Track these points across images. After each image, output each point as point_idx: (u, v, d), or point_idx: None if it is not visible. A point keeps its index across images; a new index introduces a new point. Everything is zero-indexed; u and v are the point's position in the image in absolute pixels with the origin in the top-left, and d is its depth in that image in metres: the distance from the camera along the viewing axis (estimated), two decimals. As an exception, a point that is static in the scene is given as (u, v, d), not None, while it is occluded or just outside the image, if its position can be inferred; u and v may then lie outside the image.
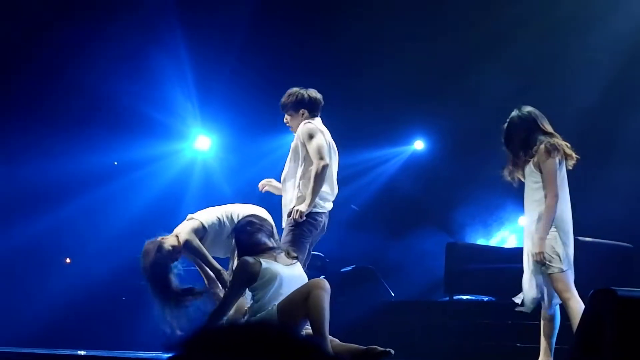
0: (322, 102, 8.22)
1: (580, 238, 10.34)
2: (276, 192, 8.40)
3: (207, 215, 8.03)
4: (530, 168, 7.74)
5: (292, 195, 7.89)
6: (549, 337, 7.70)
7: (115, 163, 13.54)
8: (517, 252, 11.81)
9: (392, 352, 6.84)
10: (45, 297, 12.17)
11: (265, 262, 6.84)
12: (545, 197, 7.61)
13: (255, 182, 13.15)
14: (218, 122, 13.75)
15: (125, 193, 13.11)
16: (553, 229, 7.63)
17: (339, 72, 12.81)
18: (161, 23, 13.05)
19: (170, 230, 7.96)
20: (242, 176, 13.82)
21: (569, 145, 7.77)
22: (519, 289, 10.56)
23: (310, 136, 7.89)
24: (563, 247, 7.62)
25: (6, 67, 12.66)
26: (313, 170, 7.80)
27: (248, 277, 6.83)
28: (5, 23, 12.37)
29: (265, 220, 7.46)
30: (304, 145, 7.90)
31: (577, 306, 7.38)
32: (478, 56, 12.70)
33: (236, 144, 13.77)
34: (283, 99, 8.21)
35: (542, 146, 7.63)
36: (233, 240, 7.55)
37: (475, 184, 13.12)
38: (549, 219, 7.54)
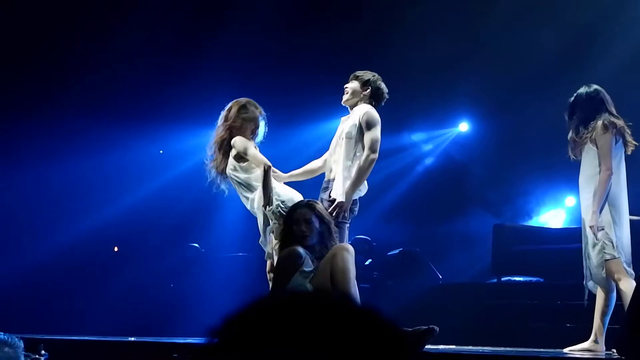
0: (386, 99, 8.14)
1: (630, 217, 10.27)
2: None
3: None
4: (587, 145, 7.67)
5: (340, 179, 7.79)
6: (602, 316, 7.63)
7: (161, 152, 13.60)
8: (565, 232, 11.82)
9: (437, 329, 6.81)
10: (92, 284, 12.27)
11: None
12: (600, 172, 7.54)
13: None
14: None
15: (175, 183, 13.16)
16: (608, 211, 7.55)
17: (375, 51, 12.74)
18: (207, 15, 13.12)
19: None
20: (281, 166, 13.83)
21: (629, 130, 7.71)
22: (566, 270, 10.52)
23: (372, 125, 7.81)
24: (615, 233, 7.55)
25: (56, 60, 12.74)
26: (365, 161, 7.71)
27: (295, 269, 6.86)
28: (56, 13, 12.48)
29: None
30: (361, 129, 7.82)
31: (629, 286, 7.31)
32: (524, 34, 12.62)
33: (271, 135, 13.74)
34: (359, 72, 8.10)
35: (600, 122, 7.56)
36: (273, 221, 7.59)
37: (520, 165, 13.04)
38: (602, 193, 7.48)
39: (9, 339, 5.40)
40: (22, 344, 5.48)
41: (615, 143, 7.57)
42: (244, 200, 8.07)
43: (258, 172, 7.87)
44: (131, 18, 12.73)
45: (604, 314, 7.64)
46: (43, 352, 6.48)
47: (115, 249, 13.34)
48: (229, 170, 8.04)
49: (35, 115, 12.55)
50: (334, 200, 7.60)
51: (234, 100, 8.18)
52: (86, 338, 8.77)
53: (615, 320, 6.80)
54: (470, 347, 8.08)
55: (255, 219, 7.95)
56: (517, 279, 11.38)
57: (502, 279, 11.33)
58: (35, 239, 12.52)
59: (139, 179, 13.12)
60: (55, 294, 12.23)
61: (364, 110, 7.84)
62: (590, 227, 7.52)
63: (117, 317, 11.23)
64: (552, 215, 13.42)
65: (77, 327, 10.48)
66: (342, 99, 8.04)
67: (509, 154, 13.16)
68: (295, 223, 7.05)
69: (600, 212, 7.50)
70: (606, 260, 7.54)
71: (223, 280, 9.38)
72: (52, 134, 12.67)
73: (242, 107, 8.15)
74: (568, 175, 12.81)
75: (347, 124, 7.89)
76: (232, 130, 8.06)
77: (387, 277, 12.11)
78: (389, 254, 12.40)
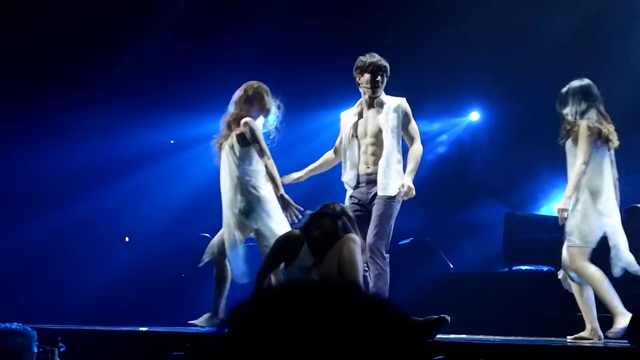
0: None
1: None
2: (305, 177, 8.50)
3: None
4: (570, 143, 7.80)
5: (388, 171, 7.89)
6: (583, 306, 7.73)
7: (172, 141, 13.61)
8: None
9: (448, 318, 6.83)
10: (104, 275, 12.28)
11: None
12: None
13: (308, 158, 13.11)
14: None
15: (181, 170, 13.18)
16: (590, 202, 7.80)
17: (382, 41, 12.71)
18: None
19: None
20: (293, 152, 13.82)
21: (612, 131, 7.95)
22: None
23: (411, 116, 8.03)
24: (590, 225, 7.57)
25: (71, 46, 12.76)
26: (419, 150, 8.04)
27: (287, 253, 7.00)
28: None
29: None
30: (402, 120, 7.92)
31: (589, 273, 7.74)
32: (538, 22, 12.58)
33: (292, 119, 13.73)
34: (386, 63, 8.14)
35: (585, 123, 7.69)
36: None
37: (531, 153, 13.01)
38: (574, 181, 7.73)
39: (22, 329, 5.42)
40: (35, 335, 5.50)
41: (600, 147, 7.72)
42: (224, 176, 8.23)
43: (253, 167, 8.03)
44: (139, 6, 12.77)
45: (583, 302, 7.72)
46: (60, 344, 6.49)
47: (127, 239, 13.35)
48: (226, 145, 8.19)
49: (34, 101, 12.57)
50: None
51: (247, 82, 8.32)
52: (100, 328, 8.78)
53: (628, 309, 6.78)
54: (481, 336, 8.09)
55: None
56: (528, 267, 11.37)
57: (514, 268, 11.33)
58: (40, 225, 12.52)
59: (149, 166, 13.12)
60: (65, 284, 12.27)
61: (399, 102, 7.98)
62: (559, 209, 7.64)
63: (129, 307, 11.24)
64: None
65: (87, 317, 10.50)
66: (374, 92, 8.08)
67: (520, 143, 13.14)
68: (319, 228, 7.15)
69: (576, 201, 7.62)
70: (569, 246, 7.84)
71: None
72: (50, 121, 12.69)
73: (255, 90, 8.29)
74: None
75: (381, 118, 7.93)
76: (242, 110, 8.21)
77: (399, 266, 12.10)
78: (400, 243, 12.39)
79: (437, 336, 7.66)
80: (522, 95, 12.85)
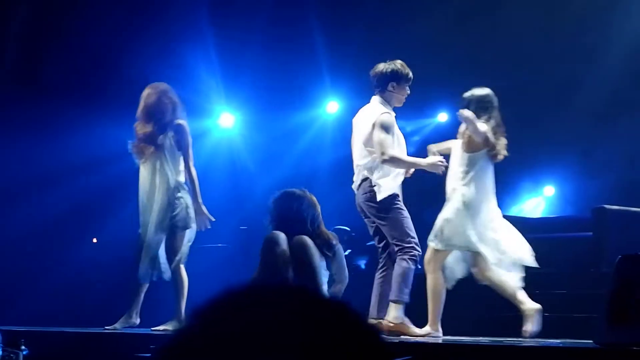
0: None
1: (608, 206, 10.33)
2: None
3: None
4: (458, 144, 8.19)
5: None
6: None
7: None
8: (543, 222, 11.86)
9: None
10: (70, 276, 12.20)
11: None
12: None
13: (281, 159, 13.23)
14: (242, 100, 13.72)
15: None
16: (464, 210, 8.22)
17: (358, 44, 12.75)
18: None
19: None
20: (266, 153, 13.81)
21: (503, 144, 8.61)
22: (544, 259, 10.55)
23: None
24: (455, 232, 8.14)
25: (34, 45, 12.67)
26: None
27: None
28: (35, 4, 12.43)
29: None
30: None
31: (431, 282, 8.20)
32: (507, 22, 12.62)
33: (261, 121, 13.75)
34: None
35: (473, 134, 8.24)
36: None
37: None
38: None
39: (-13, 331, 5.38)
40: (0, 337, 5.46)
41: (483, 153, 8.35)
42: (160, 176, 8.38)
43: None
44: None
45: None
46: (23, 347, 6.46)
47: (94, 240, 13.26)
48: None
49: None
50: None
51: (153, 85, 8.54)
52: (62, 330, 8.72)
53: (593, 309, 6.81)
54: (448, 337, 8.10)
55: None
56: (496, 268, 11.38)
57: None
58: (9, 228, 12.43)
59: (119, 164, 13.06)
60: (30, 285, 12.18)
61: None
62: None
63: (93, 308, 11.17)
64: (531, 205, 13.46)
65: (50, 317, 10.42)
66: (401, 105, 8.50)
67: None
68: None
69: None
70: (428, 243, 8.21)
71: (202, 272, 9.33)
72: (16, 117, 12.61)
73: (164, 92, 8.53)
74: (547, 165, 12.92)
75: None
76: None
77: (367, 266, 12.11)
78: (368, 243, 12.39)
79: (403, 337, 7.69)
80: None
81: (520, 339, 7.63)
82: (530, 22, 12.42)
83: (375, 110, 8.21)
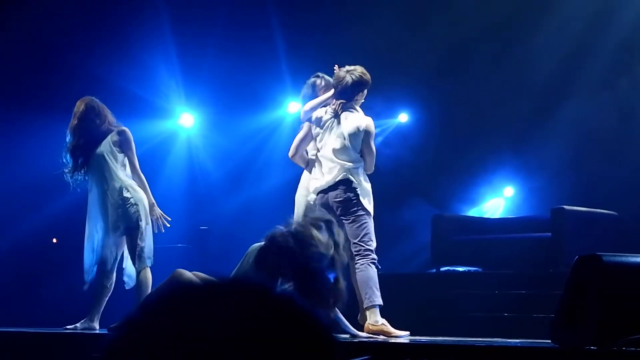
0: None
1: (567, 207, 10.41)
2: None
3: None
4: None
5: None
6: None
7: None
8: (503, 223, 11.93)
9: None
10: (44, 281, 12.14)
11: None
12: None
13: (240, 160, 13.19)
14: (202, 99, 13.68)
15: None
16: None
17: (318, 44, 12.75)
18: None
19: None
20: (226, 153, 13.78)
21: None
22: (504, 259, 10.64)
23: None
24: None
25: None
26: None
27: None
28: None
29: None
30: None
31: None
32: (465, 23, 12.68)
33: (220, 121, 13.72)
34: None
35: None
36: None
37: (459, 155, 13.10)
38: None
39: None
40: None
41: None
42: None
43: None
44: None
45: None
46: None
47: (54, 240, 13.18)
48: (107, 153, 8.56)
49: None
50: None
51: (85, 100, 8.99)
52: (19, 330, 8.69)
53: (552, 309, 6.85)
54: (417, 338, 8.12)
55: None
56: (456, 268, 11.46)
57: (441, 269, 11.40)
58: None
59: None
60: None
61: None
62: None
63: (53, 308, 11.11)
64: (491, 206, 13.53)
65: (15, 319, 10.37)
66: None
67: (448, 144, 13.22)
68: None
69: None
70: None
71: (162, 273, 9.29)
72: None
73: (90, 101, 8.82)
74: (506, 166, 12.98)
75: None
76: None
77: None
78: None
79: (363, 337, 7.70)
80: (450, 96, 12.94)
81: (479, 339, 7.65)
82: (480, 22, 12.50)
83: (362, 116, 8.38)
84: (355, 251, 8.12)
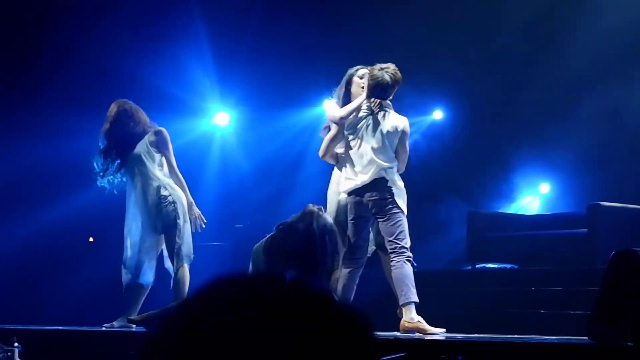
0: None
1: (603, 203, 10.36)
2: None
3: None
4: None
5: None
6: None
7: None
8: (538, 219, 11.89)
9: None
10: (78, 278, 12.19)
11: None
12: None
13: (275, 158, 13.20)
14: (236, 98, 13.72)
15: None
16: None
17: (352, 41, 12.76)
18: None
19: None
20: (260, 152, 13.81)
21: None
22: (540, 256, 10.59)
23: None
24: None
25: (28, 49, 12.66)
26: None
27: None
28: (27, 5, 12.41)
29: None
30: None
31: None
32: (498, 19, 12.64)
33: (255, 120, 13.75)
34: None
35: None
36: None
37: (494, 152, 13.07)
38: None
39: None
40: (-5, 336, 5.48)
41: None
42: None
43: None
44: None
45: None
46: (16, 344, 6.49)
47: (91, 239, 13.25)
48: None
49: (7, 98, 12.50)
50: None
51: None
52: (58, 328, 8.74)
53: (588, 306, 6.82)
54: (452, 335, 8.10)
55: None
56: (491, 265, 11.43)
57: (477, 265, 11.38)
58: (6, 224, 12.41)
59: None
60: (26, 283, 12.18)
61: None
62: None
63: (89, 306, 11.17)
64: (526, 202, 13.49)
65: (49, 317, 10.44)
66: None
67: (483, 141, 13.19)
68: None
69: None
70: None
71: (198, 271, 9.34)
72: (23, 116, 12.59)
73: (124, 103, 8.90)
74: (542, 162, 12.94)
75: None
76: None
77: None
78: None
79: (399, 335, 7.70)
80: (485, 93, 12.91)
81: (517, 336, 7.63)
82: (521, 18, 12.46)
83: (399, 115, 8.37)
84: (391, 249, 8.10)
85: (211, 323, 1.36)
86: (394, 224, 8.11)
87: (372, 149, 8.17)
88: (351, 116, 8.29)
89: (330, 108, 8.53)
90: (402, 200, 8.19)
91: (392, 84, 8.22)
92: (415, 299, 8.00)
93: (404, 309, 7.99)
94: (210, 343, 1.34)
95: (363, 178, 8.16)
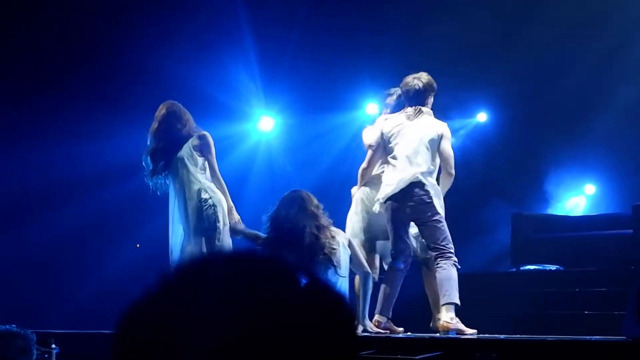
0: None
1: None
2: None
3: None
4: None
5: None
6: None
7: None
8: (583, 220, 11.81)
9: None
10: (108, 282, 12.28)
11: None
12: None
13: (319, 163, 13.20)
14: (281, 103, 13.77)
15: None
16: None
17: (396, 44, 12.77)
18: (223, 3, 13.14)
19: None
20: (305, 157, 13.85)
21: None
22: (585, 257, 10.52)
23: None
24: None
25: (74, 53, 12.79)
26: None
27: None
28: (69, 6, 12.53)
29: None
30: None
31: None
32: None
33: (299, 124, 13.79)
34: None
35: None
36: None
37: (539, 153, 13.02)
38: None
39: (22, 332, 5.47)
40: (34, 337, 5.55)
41: None
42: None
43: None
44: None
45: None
46: (54, 345, 6.56)
47: (137, 245, 13.32)
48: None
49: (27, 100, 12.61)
50: None
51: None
52: (94, 331, 8.82)
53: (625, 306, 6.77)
54: (487, 335, 8.07)
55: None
56: (536, 267, 11.36)
57: (521, 267, 11.31)
58: (33, 230, 12.52)
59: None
60: (59, 287, 12.29)
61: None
62: None
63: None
64: (572, 204, 13.41)
65: (85, 321, 10.53)
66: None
67: (527, 143, 13.15)
68: None
69: None
70: None
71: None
72: (38, 120, 12.70)
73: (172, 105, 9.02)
74: (587, 164, 12.85)
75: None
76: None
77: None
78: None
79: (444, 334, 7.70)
80: (529, 95, 12.85)
81: (551, 336, 7.58)
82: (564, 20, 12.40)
83: (437, 121, 8.40)
84: (437, 254, 8.12)
85: (184, 302, 1.39)
86: (436, 228, 8.13)
87: (409, 154, 8.21)
88: (391, 121, 8.40)
89: (364, 135, 8.87)
90: (439, 204, 8.19)
91: (423, 89, 8.32)
92: (457, 300, 8.00)
93: (444, 309, 7.99)
94: (182, 320, 1.36)
95: (400, 183, 8.18)
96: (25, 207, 12.60)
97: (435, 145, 8.23)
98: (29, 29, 12.54)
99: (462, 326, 7.91)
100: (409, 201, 8.15)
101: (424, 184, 8.14)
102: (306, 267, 1.46)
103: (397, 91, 8.75)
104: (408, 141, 8.25)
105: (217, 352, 1.33)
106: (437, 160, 8.30)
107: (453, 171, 8.31)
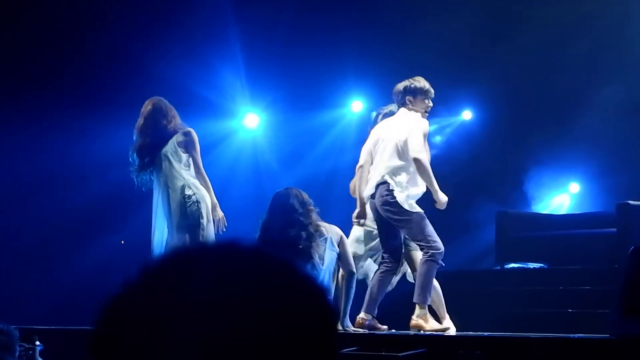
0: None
1: (632, 202, 10.29)
2: None
3: None
4: None
5: None
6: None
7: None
8: (567, 219, 11.84)
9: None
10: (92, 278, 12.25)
11: None
12: None
13: (304, 159, 13.24)
14: (267, 100, 13.75)
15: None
16: None
17: (382, 43, 12.78)
18: (210, 1, 13.12)
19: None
20: (290, 153, 13.84)
21: None
22: (569, 255, 10.55)
23: None
24: None
25: (61, 49, 12.75)
26: None
27: None
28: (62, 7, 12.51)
29: None
30: None
31: None
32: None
33: (285, 121, 13.77)
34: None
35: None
36: None
37: (523, 152, 13.04)
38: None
39: (5, 328, 5.44)
40: (17, 334, 5.52)
41: None
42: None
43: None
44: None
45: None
46: (38, 342, 6.53)
47: (122, 242, 13.28)
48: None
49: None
50: None
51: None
52: (78, 327, 8.80)
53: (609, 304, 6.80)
54: (471, 332, 8.09)
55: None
56: (520, 265, 11.38)
57: (506, 265, 11.34)
58: (15, 224, 12.47)
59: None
60: (42, 283, 12.25)
61: None
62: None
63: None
64: (556, 202, 13.44)
65: (69, 316, 10.49)
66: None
67: (512, 141, 13.17)
68: None
69: None
70: None
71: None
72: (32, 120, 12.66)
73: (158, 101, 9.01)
74: (571, 163, 12.87)
75: None
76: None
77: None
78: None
79: (429, 332, 7.70)
80: (515, 94, 12.87)
81: (534, 334, 7.60)
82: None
83: (409, 118, 8.41)
84: (420, 249, 8.21)
85: (166, 294, 1.38)
86: (410, 227, 8.17)
87: (379, 156, 8.29)
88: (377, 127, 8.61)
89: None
90: (407, 202, 8.15)
91: (403, 90, 8.45)
92: (421, 300, 7.99)
93: (416, 305, 8.02)
94: (165, 311, 1.35)
95: (371, 184, 8.31)
96: (6, 201, 12.53)
97: (402, 141, 8.22)
98: (17, 28, 12.51)
99: (422, 322, 7.87)
100: (378, 202, 8.23)
101: (388, 184, 8.18)
102: (289, 258, 1.45)
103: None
104: (379, 142, 8.35)
105: (199, 345, 1.32)
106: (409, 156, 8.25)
107: (417, 155, 8.18)
